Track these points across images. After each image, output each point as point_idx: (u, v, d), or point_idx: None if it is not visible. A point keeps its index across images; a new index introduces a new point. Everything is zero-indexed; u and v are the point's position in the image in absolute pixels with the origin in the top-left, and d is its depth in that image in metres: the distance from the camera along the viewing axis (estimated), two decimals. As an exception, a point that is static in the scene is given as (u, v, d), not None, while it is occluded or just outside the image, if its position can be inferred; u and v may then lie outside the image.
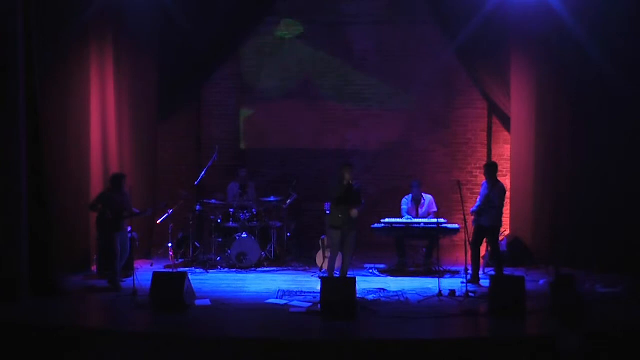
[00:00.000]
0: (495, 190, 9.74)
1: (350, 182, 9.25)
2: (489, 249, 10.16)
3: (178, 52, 12.23)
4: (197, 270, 10.50)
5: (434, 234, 10.25)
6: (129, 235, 9.77)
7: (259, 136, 13.25)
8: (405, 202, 10.89)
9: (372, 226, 10.55)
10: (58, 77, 9.67)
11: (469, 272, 9.61)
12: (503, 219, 10.76)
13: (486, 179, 9.89)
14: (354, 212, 9.22)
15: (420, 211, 10.81)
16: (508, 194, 11.87)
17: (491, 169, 9.90)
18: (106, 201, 9.47)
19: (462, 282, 9.41)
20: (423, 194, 10.91)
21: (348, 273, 9.48)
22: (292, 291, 9.18)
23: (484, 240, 10.12)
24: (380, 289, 9.33)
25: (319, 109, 13.18)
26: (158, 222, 11.09)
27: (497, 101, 12.40)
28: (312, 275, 10.21)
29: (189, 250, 11.13)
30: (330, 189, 9.39)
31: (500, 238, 10.82)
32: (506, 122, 12.35)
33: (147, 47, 11.78)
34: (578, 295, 7.93)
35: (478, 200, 10.00)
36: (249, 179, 11.79)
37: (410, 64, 13.08)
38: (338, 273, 9.50)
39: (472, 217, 9.95)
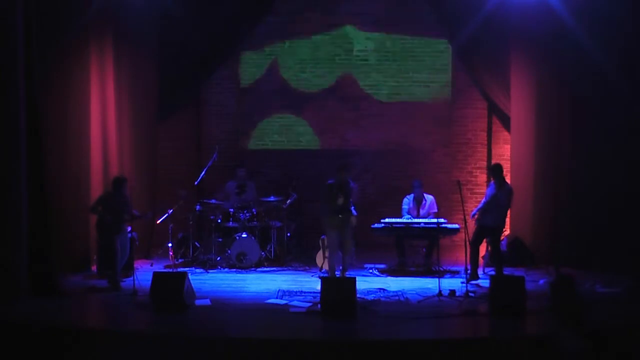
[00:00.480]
0: (503, 191, 9.75)
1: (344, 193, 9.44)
2: (489, 249, 10.16)
3: (178, 52, 12.23)
4: (197, 270, 10.49)
5: (434, 234, 10.24)
6: (129, 235, 9.78)
7: (259, 136, 13.24)
8: (407, 202, 10.89)
9: (372, 226, 10.54)
10: (58, 76, 9.67)
11: (469, 271, 9.61)
12: (503, 219, 10.77)
13: (494, 179, 9.92)
14: (353, 219, 9.47)
15: (422, 211, 10.81)
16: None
17: (498, 170, 9.91)
18: (106, 204, 9.48)
19: (462, 283, 9.42)
20: (425, 194, 10.90)
21: (348, 273, 9.51)
22: (292, 291, 9.17)
23: (484, 240, 10.13)
24: (380, 289, 9.32)
25: (319, 109, 13.18)
26: (158, 222, 11.09)
27: (497, 101, 12.40)
28: (312, 275, 10.20)
29: (189, 250, 11.12)
30: (324, 192, 9.52)
31: (501, 238, 10.83)
32: (506, 122, 12.35)
33: (147, 47, 11.78)
34: (578, 295, 7.93)
35: (483, 200, 10.00)
36: (248, 178, 11.79)
37: (410, 64, 13.08)
38: (339, 273, 9.53)
39: (475, 217, 9.98)
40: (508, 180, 11.92)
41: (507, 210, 10.00)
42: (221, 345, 7.14)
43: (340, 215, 9.37)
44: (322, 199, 9.65)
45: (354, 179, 10.12)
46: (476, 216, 10.00)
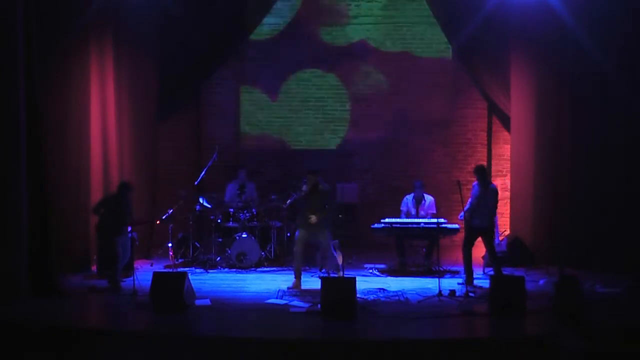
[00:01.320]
0: (489, 192, 9.71)
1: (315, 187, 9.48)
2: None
3: (178, 53, 12.24)
4: (197, 270, 10.50)
5: (434, 234, 10.23)
6: (129, 235, 9.77)
7: (259, 136, 13.25)
8: (405, 202, 10.89)
9: (372, 226, 10.54)
10: (58, 77, 9.68)
11: (466, 274, 9.60)
12: (502, 219, 10.74)
13: (478, 181, 9.80)
14: (313, 219, 9.42)
15: (421, 212, 10.81)
16: (506, 194, 11.90)
17: (482, 171, 9.83)
18: (109, 206, 9.48)
19: (459, 283, 9.43)
20: (425, 195, 10.90)
21: (348, 273, 9.50)
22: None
23: (476, 241, 10.09)
24: (380, 289, 9.31)
25: (319, 109, 13.18)
26: (158, 222, 11.09)
27: (497, 101, 12.40)
28: (312, 275, 10.21)
29: (189, 250, 11.12)
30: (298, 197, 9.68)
31: (500, 238, 10.82)
32: (506, 122, 12.34)
33: (147, 47, 11.78)
34: (580, 295, 7.93)
35: (469, 202, 9.92)
36: (249, 179, 11.79)
37: (410, 64, 13.09)
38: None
39: (464, 218, 9.96)
40: (508, 180, 11.97)
41: (495, 210, 9.93)
42: (221, 345, 7.13)
43: (321, 217, 9.41)
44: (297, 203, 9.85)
45: (352, 179, 10.10)
46: (465, 217, 9.92)
